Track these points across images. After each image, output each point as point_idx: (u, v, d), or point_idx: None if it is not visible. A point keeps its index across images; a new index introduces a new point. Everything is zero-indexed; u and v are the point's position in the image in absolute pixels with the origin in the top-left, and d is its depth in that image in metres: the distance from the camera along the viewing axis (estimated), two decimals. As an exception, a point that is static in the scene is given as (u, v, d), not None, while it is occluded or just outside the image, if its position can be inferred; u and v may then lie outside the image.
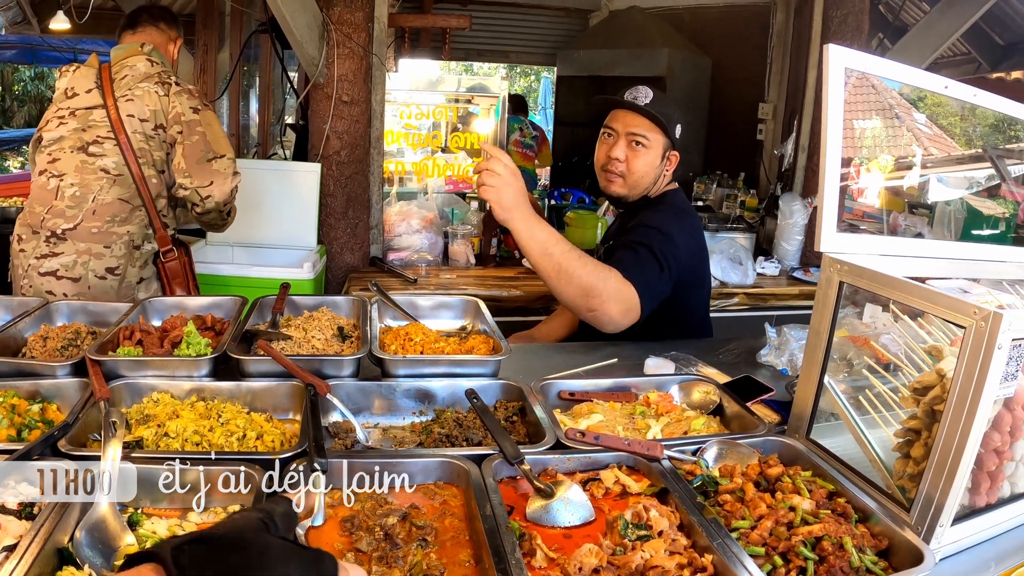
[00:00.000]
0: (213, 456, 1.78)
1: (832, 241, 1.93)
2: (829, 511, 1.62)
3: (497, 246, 5.29)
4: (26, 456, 1.67)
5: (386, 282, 4.70)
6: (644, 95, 3.07)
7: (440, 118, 6.40)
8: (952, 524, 1.58)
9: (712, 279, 4.08)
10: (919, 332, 1.83)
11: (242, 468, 1.64)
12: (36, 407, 2.07)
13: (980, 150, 3.21)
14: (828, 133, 1.97)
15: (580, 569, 1.37)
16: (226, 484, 1.62)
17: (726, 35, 7.88)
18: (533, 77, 24.25)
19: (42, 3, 8.57)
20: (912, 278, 1.78)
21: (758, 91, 7.10)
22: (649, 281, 2.82)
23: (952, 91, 2.31)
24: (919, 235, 6.07)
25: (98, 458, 1.63)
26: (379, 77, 5.08)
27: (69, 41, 13.76)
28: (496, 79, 7.94)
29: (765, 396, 2.33)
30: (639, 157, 3.09)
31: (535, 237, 2.61)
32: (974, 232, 6.12)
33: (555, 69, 10.03)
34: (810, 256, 5.69)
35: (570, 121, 9.71)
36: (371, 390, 2.19)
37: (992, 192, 7.47)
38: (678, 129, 3.12)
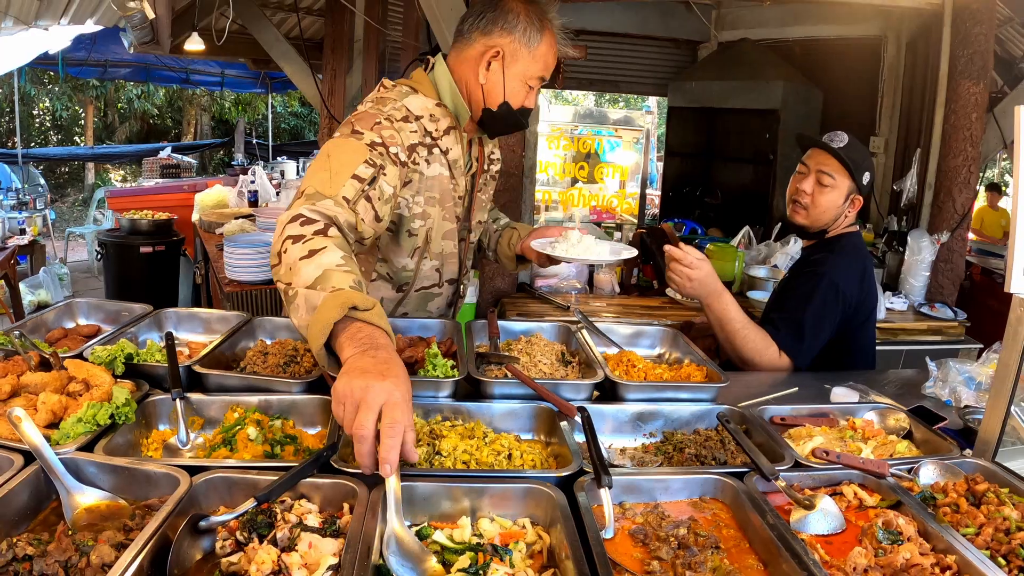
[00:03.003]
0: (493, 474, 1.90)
1: (1021, 283, 2.17)
2: (1034, 519, 1.86)
3: (637, 276, 5.50)
4: (302, 474, 1.74)
5: (538, 308, 4.96)
6: (840, 140, 3.39)
7: (586, 148, 6.63)
8: None
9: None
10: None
11: (534, 485, 1.81)
12: (277, 422, 2.17)
13: None
14: (1019, 189, 2.20)
15: (855, 568, 1.63)
16: (509, 500, 1.81)
17: (836, 67, 7.92)
18: (622, 104, 24.44)
19: (175, 24, 8.95)
20: None
21: (869, 124, 7.18)
22: (805, 347, 3.28)
23: None
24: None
25: (375, 476, 1.66)
26: (536, 107, 5.28)
27: (182, 62, 14.34)
28: (641, 112, 8.17)
29: (942, 424, 2.56)
30: (824, 194, 3.41)
31: (713, 312, 3.29)
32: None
33: (666, 99, 10.19)
34: (935, 292, 5.82)
35: (681, 152, 9.77)
36: (605, 413, 2.37)
37: None
38: (866, 176, 3.41)
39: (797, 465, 2.07)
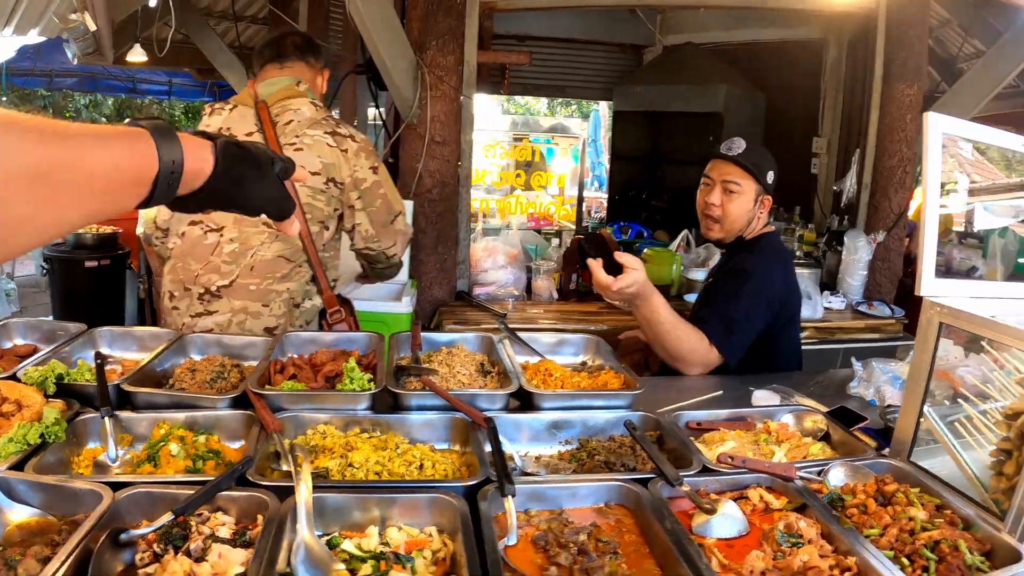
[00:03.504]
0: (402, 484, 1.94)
1: (931, 286, 2.19)
2: (942, 520, 1.87)
3: (576, 281, 5.51)
4: (217, 487, 1.77)
5: (475, 316, 4.95)
6: (737, 146, 3.44)
7: (523, 156, 6.68)
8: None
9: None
10: (1007, 364, 2.08)
11: (438, 494, 1.83)
12: (202, 438, 2.19)
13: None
14: (928, 193, 2.22)
15: (752, 571, 1.63)
16: (416, 509, 1.83)
17: (779, 70, 8.02)
18: (573, 108, 24.54)
19: (117, 35, 8.87)
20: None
21: (811, 125, 7.25)
22: (735, 341, 3.29)
23: (1035, 147, 2.55)
24: (973, 268, 6.26)
25: (287, 487, 1.76)
26: (468, 118, 5.35)
27: (128, 71, 14.18)
28: (576, 120, 8.22)
29: (862, 424, 2.58)
30: (732, 202, 3.45)
31: (641, 314, 3.24)
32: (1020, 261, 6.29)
33: (611, 103, 10.22)
34: (873, 290, 5.89)
35: (628, 155, 9.83)
36: (521, 422, 2.39)
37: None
38: (770, 176, 3.47)
39: (705, 470, 2.07)
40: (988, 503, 1.94)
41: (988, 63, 6.08)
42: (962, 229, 7.69)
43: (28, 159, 1.06)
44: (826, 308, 5.51)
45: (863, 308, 5.63)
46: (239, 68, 9.01)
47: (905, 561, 1.73)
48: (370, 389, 2.42)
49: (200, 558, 1.60)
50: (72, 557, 1.52)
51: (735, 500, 1.95)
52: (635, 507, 1.92)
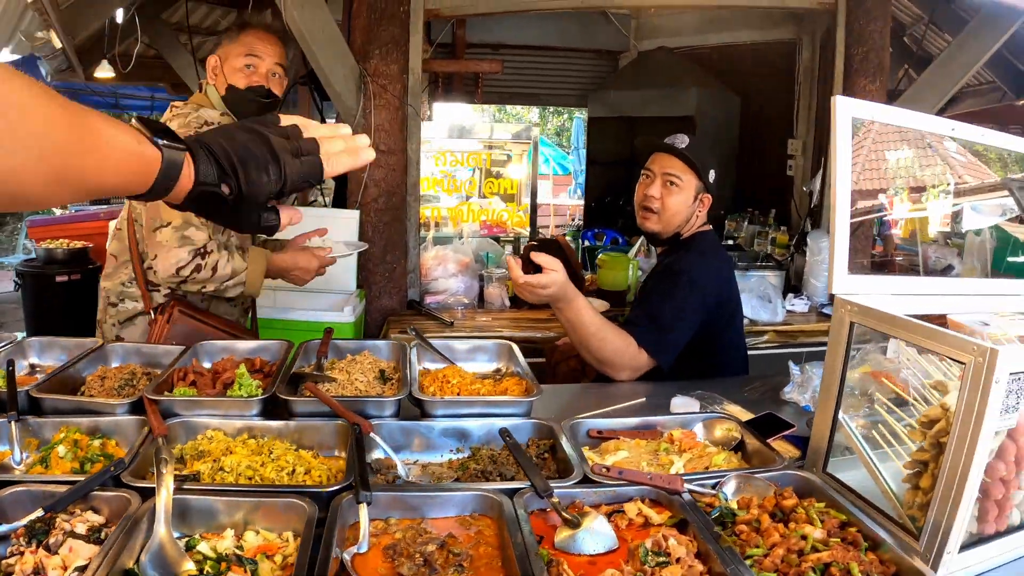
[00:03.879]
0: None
1: (844, 283, 2.07)
2: (839, 540, 1.74)
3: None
4: (88, 486, 1.84)
5: (423, 325, 4.83)
6: (681, 141, 3.37)
7: (474, 164, 6.61)
8: (960, 551, 1.68)
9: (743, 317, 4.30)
10: (928, 368, 1.94)
11: (292, 499, 1.81)
12: (97, 442, 2.24)
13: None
14: (837, 182, 2.10)
15: (604, 593, 1.49)
16: (276, 514, 1.81)
17: (754, 72, 8.00)
18: (566, 116, 24.50)
19: (88, 52, 8.82)
20: (926, 316, 1.92)
21: (787, 127, 7.18)
22: (664, 342, 3.19)
23: (959, 132, 2.42)
24: (949, 267, 6.13)
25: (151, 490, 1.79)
26: (414, 126, 5.27)
27: (109, 87, 14.13)
28: (528, 126, 8.14)
29: (787, 432, 2.45)
30: (672, 196, 3.37)
31: (565, 317, 3.13)
32: (1009, 260, 6.17)
33: (586, 110, 10.16)
34: (835, 291, 5.78)
35: (603, 161, 9.78)
36: (411, 429, 2.33)
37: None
38: (711, 174, 3.38)
39: (586, 481, 1.95)
40: (903, 519, 1.82)
41: (950, 55, 6.01)
42: (948, 230, 7.59)
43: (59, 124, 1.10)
44: (788, 311, 5.40)
45: (828, 310, 5.49)
46: (207, 82, 8.95)
47: (789, 587, 1.59)
48: (257, 395, 2.44)
49: (55, 552, 1.68)
50: None
51: (611, 514, 1.82)
52: (498, 518, 1.82)
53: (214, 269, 3.18)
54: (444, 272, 5.25)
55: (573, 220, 11.26)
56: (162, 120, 3.12)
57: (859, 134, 2.19)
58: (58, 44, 6.31)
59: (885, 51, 5.87)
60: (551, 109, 23.56)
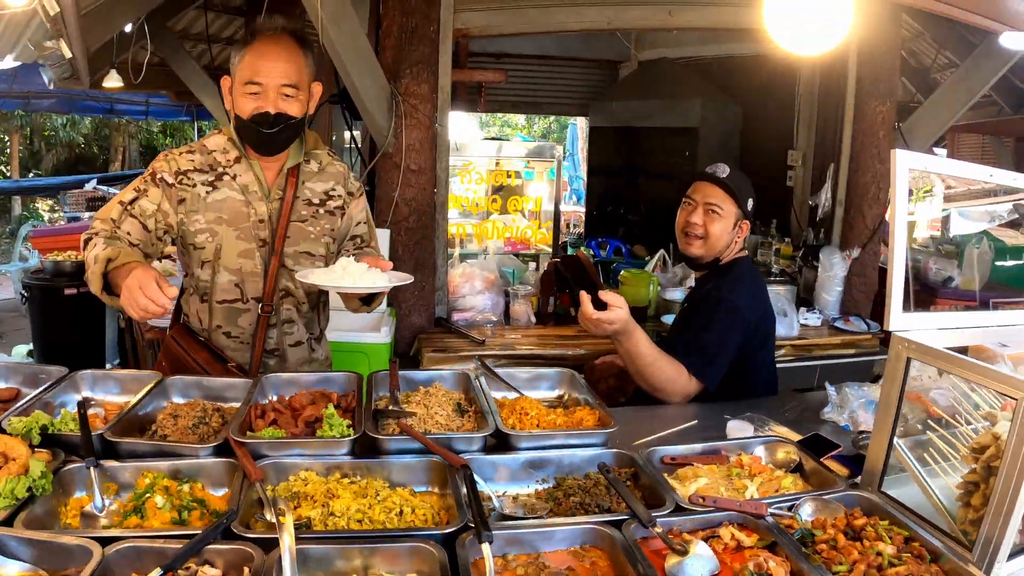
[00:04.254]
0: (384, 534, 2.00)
1: (899, 320, 2.25)
2: (908, 554, 1.94)
3: (554, 305, 5.55)
4: (203, 541, 1.84)
5: (454, 343, 4.98)
6: (723, 170, 3.57)
7: (499, 182, 6.75)
8: (1008, 559, 1.88)
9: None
10: (968, 393, 2.14)
11: (416, 543, 1.90)
12: (186, 487, 2.23)
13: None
14: (896, 228, 2.27)
15: (722, 612, 1.68)
16: (398, 557, 1.89)
17: (754, 84, 8.06)
18: (553, 119, 24.66)
19: (92, 60, 8.88)
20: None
21: (787, 138, 7.31)
22: (714, 369, 3.41)
23: (996, 178, 2.61)
24: (949, 278, 6.33)
25: (271, 539, 1.84)
26: (443, 145, 5.36)
27: (104, 93, 14.12)
28: (552, 144, 8.25)
29: (835, 452, 2.63)
30: (714, 223, 3.56)
31: (623, 348, 3.33)
32: (997, 264, 6.38)
33: (587, 118, 10.29)
34: (849, 306, 5.95)
35: (604, 170, 9.92)
36: (498, 462, 2.44)
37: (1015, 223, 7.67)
38: (750, 203, 3.59)
39: (679, 509, 2.12)
40: (956, 533, 2.00)
41: (961, 76, 6.21)
42: (939, 235, 7.80)
43: None
44: (802, 324, 5.57)
45: (839, 324, 5.68)
46: (214, 90, 9.03)
47: (873, 598, 1.77)
48: (349, 435, 2.45)
49: None
50: None
51: (707, 539, 1.99)
52: (610, 549, 1.97)
53: (91, 255, 2.94)
54: (471, 289, 5.35)
55: (570, 227, 11.36)
56: None
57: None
58: (68, 53, 6.38)
59: (895, 75, 6.09)
60: (549, 117, 23.74)
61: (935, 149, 14.38)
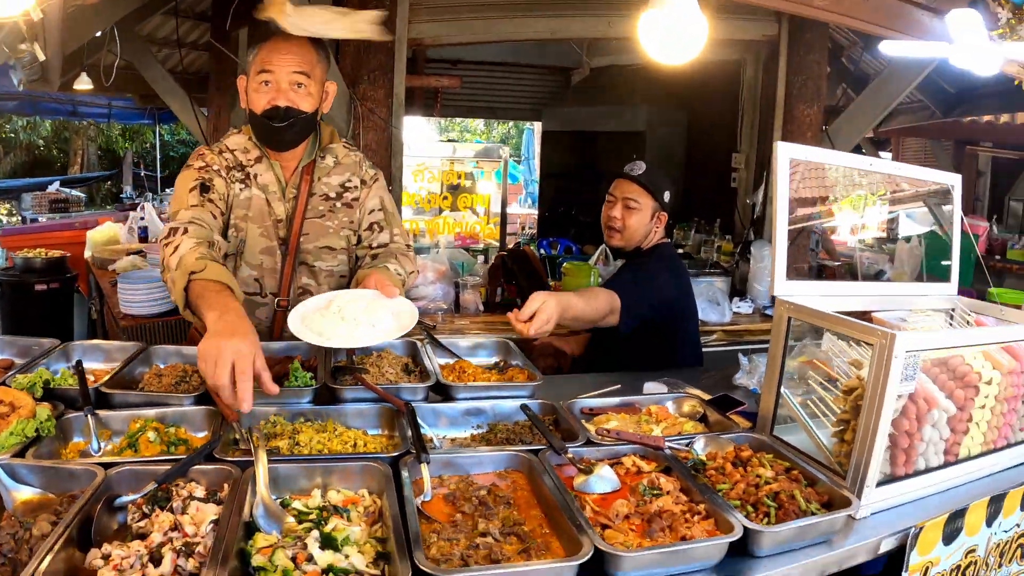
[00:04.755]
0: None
1: (783, 287, 2.65)
2: (785, 477, 2.30)
3: (501, 294, 5.84)
4: (191, 461, 2.16)
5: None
6: (639, 168, 3.93)
7: (450, 180, 7.10)
8: (877, 486, 2.28)
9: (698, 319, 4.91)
10: (852, 355, 2.51)
11: (367, 463, 2.24)
12: (172, 429, 2.52)
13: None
14: (777, 209, 2.66)
15: (617, 515, 2.04)
16: (352, 476, 2.22)
17: (700, 89, 8.32)
18: (512, 125, 24.88)
19: (65, 61, 9.00)
20: (854, 313, 2.51)
21: (731, 142, 7.57)
22: (628, 291, 3.71)
23: (876, 166, 3.01)
24: (881, 271, 6.72)
25: (247, 461, 2.17)
26: (398, 146, 5.67)
27: (67, 95, 14.20)
28: (498, 145, 8.57)
29: (739, 408, 3.00)
30: (632, 216, 3.93)
31: (567, 323, 3.53)
32: (930, 262, 6.73)
33: (540, 124, 10.59)
34: (776, 293, 6.31)
35: (556, 173, 10.21)
36: (439, 410, 2.76)
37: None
38: (666, 195, 3.93)
39: (589, 443, 2.48)
40: (833, 465, 2.40)
41: (883, 81, 6.64)
42: (884, 235, 8.19)
43: None
44: (735, 312, 5.94)
45: (770, 311, 6.00)
46: (181, 95, 9.24)
47: (750, 508, 2.15)
48: (312, 385, 2.78)
49: (183, 513, 1.97)
50: (76, 519, 1.86)
51: (612, 465, 2.34)
52: (527, 471, 2.33)
53: (175, 248, 2.83)
54: (423, 280, 5.56)
55: (524, 229, 11.65)
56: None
57: (798, 164, 2.75)
58: (41, 56, 6.53)
59: (822, 79, 6.47)
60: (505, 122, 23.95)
61: (880, 152, 14.86)
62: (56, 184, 16.30)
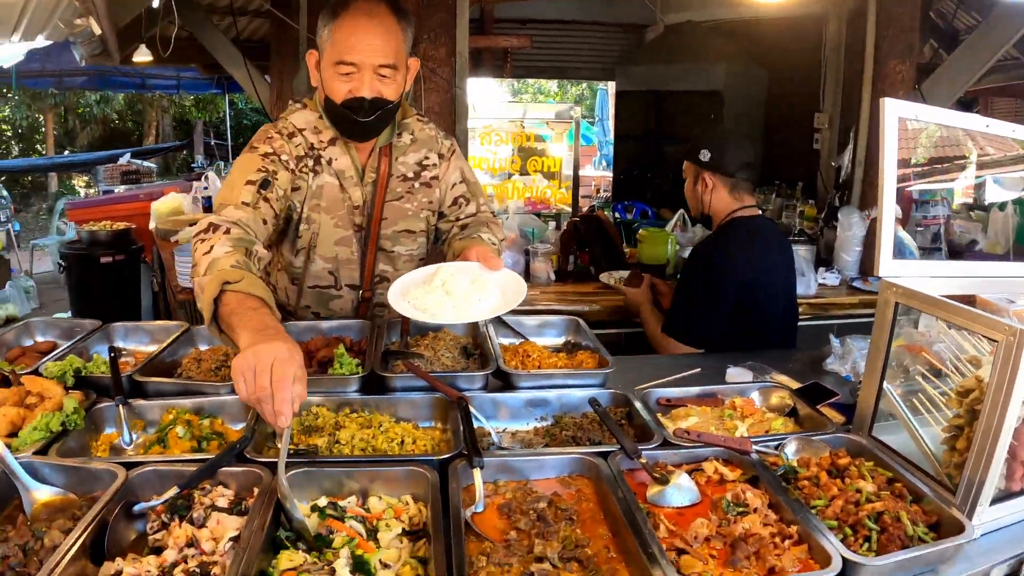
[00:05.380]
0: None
1: (888, 267, 2.31)
2: (888, 493, 2.00)
3: (574, 263, 5.61)
4: (217, 464, 2.03)
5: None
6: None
7: (519, 143, 6.87)
8: (991, 504, 1.94)
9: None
10: (961, 341, 2.19)
11: (412, 467, 2.04)
12: (206, 421, 2.41)
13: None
14: (885, 178, 2.33)
15: (696, 537, 1.77)
16: (396, 481, 2.04)
17: (780, 46, 8.04)
18: (585, 87, 24.58)
19: (121, 36, 8.96)
20: (958, 296, 2.17)
21: (813, 101, 7.24)
22: (694, 331, 3.66)
23: (993, 129, 2.65)
24: (973, 241, 6.33)
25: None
26: (462, 108, 5.47)
27: (136, 69, 14.34)
28: (570, 105, 8.34)
29: (832, 400, 2.70)
30: (686, 186, 3.84)
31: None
32: (1024, 228, 6.36)
33: (613, 84, 10.35)
34: (869, 266, 5.95)
35: (631, 135, 9.91)
36: (499, 400, 2.56)
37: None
38: (704, 153, 3.71)
39: (666, 444, 2.22)
40: (941, 477, 2.07)
41: (980, 36, 6.18)
42: (971, 201, 7.77)
43: None
44: (820, 284, 5.59)
45: (858, 284, 5.70)
46: (241, 62, 9.13)
47: (848, 531, 1.86)
48: (358, 373, 2.59)
49: (202, 525, 1.84)
50: (90, 527, 1.75)
51: (691, 472, 2.08)
52: (594, 478, 2.09)
53: (210, 248, 2.41)
54: None
55: (599, 192, 11.42)
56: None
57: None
58: (97, 30, 6.48)
59: (915, 32, 6.05)
60: (575, 83, 23.67)
61: (968, 114, 14.28)
62: (127, 156, 16.40)
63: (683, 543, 1.78)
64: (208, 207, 8.38)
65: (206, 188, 8.66)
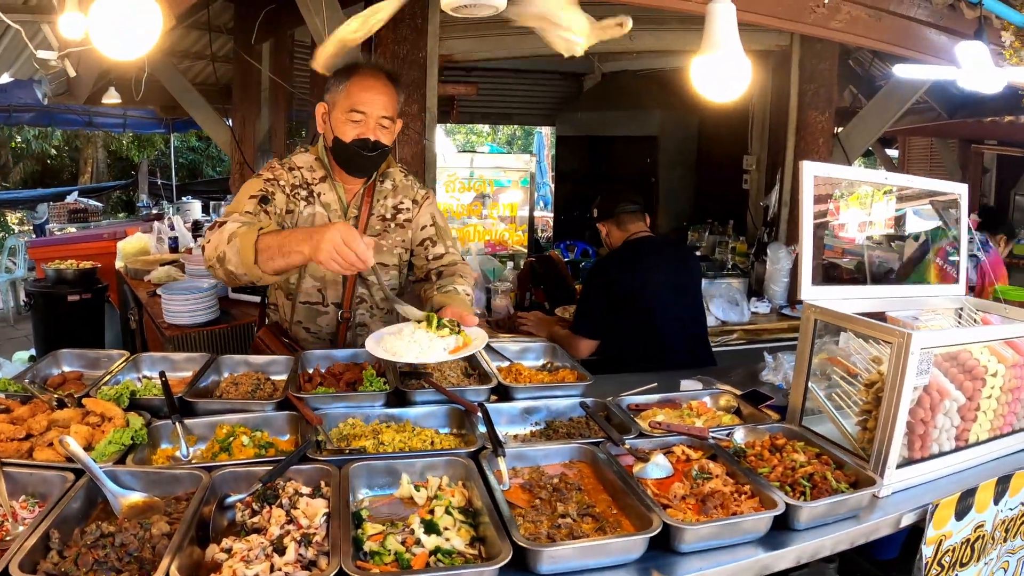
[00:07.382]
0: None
1: (810, 292, 2.96)
2: (817, 462, 2.60)
3: (530, 299, 6.08)
4: (291, 462, 2.34)
5: (444, 333, 5.54)
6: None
7: (479, 190, 7.37)
8: (897, 468, 2.59)
9: (714, 318, 5.68)
10: (872, 352, 2.81)
11: (450, 458, 2.51)
12: (258, 433, 2.70)
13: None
14: (803, 223, 2.97)
15: (675, 496, 2.35)
16: (437, 468, 2.48)
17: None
18: (517, 129, 25.06)
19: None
20: (869, 313, 2.82)
21: (742, 145, 7.79)
22: (584, 322, 4.70)
23: (891, 180, 3.30)
24: (891, 270, 6.96)
25: (341, 459, 2.43)
26: (431, 158, 5.89)
27: (82, 106, 14.25)
28: (525, 157, 8.80)
29: (769, 402, 3.32)
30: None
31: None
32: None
33: (554, 128, 10.75)
34: (795, 295, 6.52)
35: (571, 177, 10.39)
36: (500, 409, 3.03)
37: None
38: (594, 211, 5.10)
39: (641, 435, 2.79)
40: (858, 451, 2.72)
41: (892, 88, 6.89)
42: (893, 232, 8.38)
43: None
44: (753, 312, 6.23)
45: (786, 311, 6.35)
46: (205, 106, 9.42)
47: (788, 489, 2.44)
48: (386, 389, 3.03)
49: (291, 508, 2.15)
50: (193, 519, 2.05)
51: (663, 454, 2.64)
52: (591, 461, 2.63)
53: (222, 228, 3.07)
54: None
55: (539, 232, 11.84)
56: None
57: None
58: (72, 72, 6.71)
59: (833, 87, 6.75)
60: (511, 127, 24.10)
61: (887, 150, 15.05)
62: (75, 194, 16.43)
63: (666, 500, 2.35)
64: (174, 248, 8.70)
65: (172, 229, 8.94)
